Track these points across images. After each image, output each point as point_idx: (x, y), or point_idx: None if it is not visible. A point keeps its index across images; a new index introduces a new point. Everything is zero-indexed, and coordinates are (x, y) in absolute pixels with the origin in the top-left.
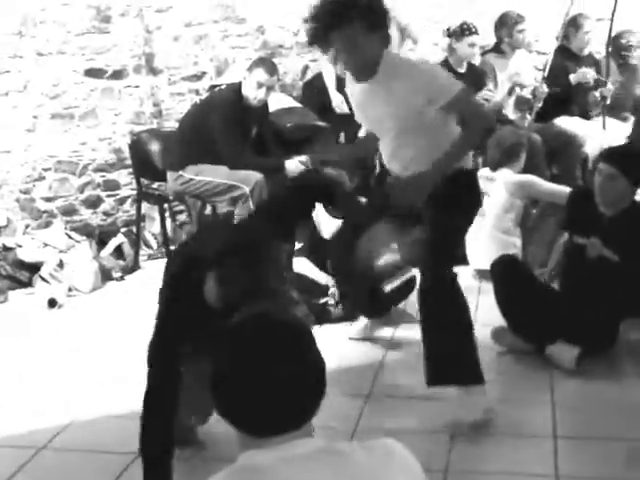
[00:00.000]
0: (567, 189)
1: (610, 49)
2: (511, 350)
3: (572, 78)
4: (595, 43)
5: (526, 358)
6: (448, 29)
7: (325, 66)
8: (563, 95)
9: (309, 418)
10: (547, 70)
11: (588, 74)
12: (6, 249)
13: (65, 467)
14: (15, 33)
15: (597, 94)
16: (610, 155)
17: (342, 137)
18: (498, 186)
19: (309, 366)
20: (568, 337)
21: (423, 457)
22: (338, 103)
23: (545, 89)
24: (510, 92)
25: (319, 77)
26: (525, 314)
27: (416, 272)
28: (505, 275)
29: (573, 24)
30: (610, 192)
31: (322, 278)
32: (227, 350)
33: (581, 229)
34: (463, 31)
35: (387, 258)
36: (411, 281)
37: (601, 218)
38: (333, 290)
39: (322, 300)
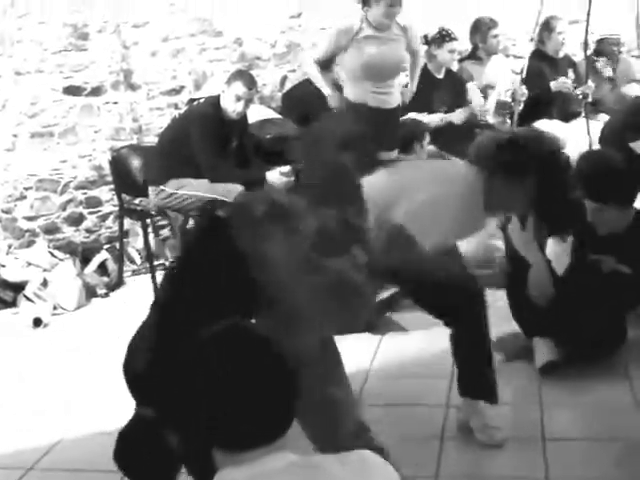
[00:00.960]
0: None
1: (589, 51)
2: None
3: (553, 85)
4: (571, 46)
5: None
6: (426, 36)
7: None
8: (542, 98)
9: (282, 432)
10: (524, 73)
11: (567, 83)
12: None
13: None
14: None
15: (579, 93)
16: (589, 188)
17: None
18: None
19: (279, 380)
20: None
21: (412, 463)
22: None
23: (524, 91)
24: (485, 97)
25: (298, 87)
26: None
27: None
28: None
29: (546, 27)
30: (605, 222)
31: None
32: (196, 367)
33: (591, 247)
34: (443, 37)
35: None
36: (397, 294)
37: (608, 236)
38: None
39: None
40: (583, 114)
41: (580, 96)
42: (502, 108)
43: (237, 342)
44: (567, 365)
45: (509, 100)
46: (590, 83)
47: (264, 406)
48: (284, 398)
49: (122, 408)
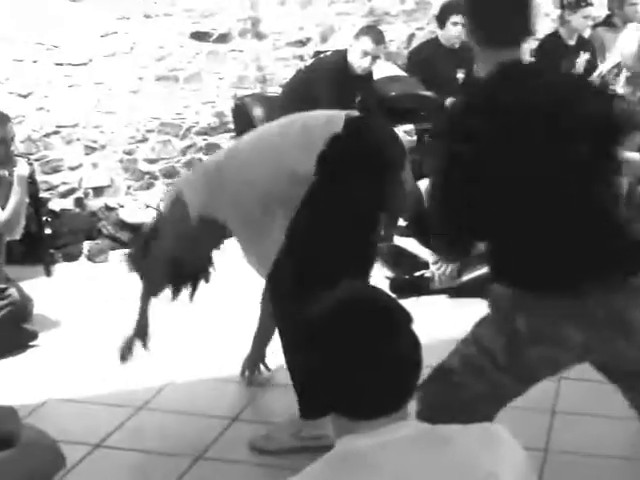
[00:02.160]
0: None
1: None
2: None
3: None
4: None
5: None
6: (561, 0)
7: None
8: None
9: (408, 399)
10: None
11: None
12: (108, 209)
13: (162, 428)
14: None
15: None
16: None
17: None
18: None
19: (406, 346)
20: None
21: (520, 435)
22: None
23: None
24: (617, 66)
25: (425, 45)
26: None
27: None
28: None
29: None
30: None
31: (424, 254)
32: (322, 333)
33: None
34: (578, 2)
35: None
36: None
37: None
38: (434, 268)
39: (421, 273)
40: None
41: None
42: (637, 77)
43: (361, 310)
44: None
45: None
46: None
47: (392, 373)
48: (410, 365)
49: (230, 354)
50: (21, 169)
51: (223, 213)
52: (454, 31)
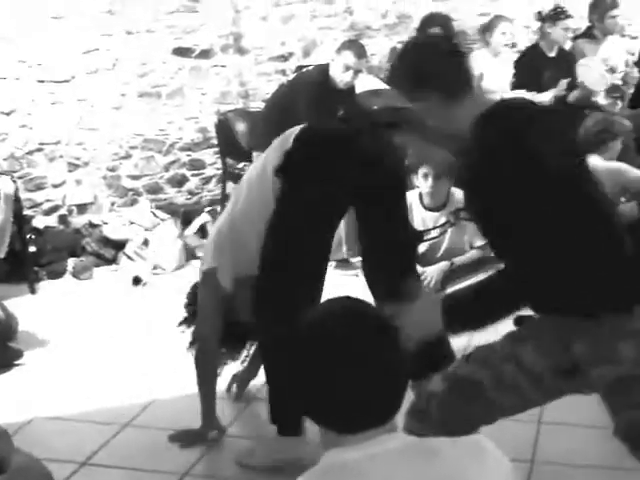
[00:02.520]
0: None
1: None
2: None
3: None
4: None
5: None
6: (540, 12)
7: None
8: None
9: (395, 412)
10: (637, 55)
11: None
12: (92, 226)
13: (148, 445)
14: (105, 11)
15: None
16: None
17: None
18: None
19: (393, 360)
20: None
21: (507, 447)
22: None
23: (636, 74)
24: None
25: None
26: None
27: None
28: None
29: None
30: None
31: None
32: (309, 346)
33: None
34: (558, 15)
35: None
36: None
37: None
38: None
39: None
40: None
41: None
42: (613, 91)
43: (349, 322)
44: None
45: (620, 83)
46: None
47: (379, 387)
48: (398, 378)
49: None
50: (6, 187)
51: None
52: None
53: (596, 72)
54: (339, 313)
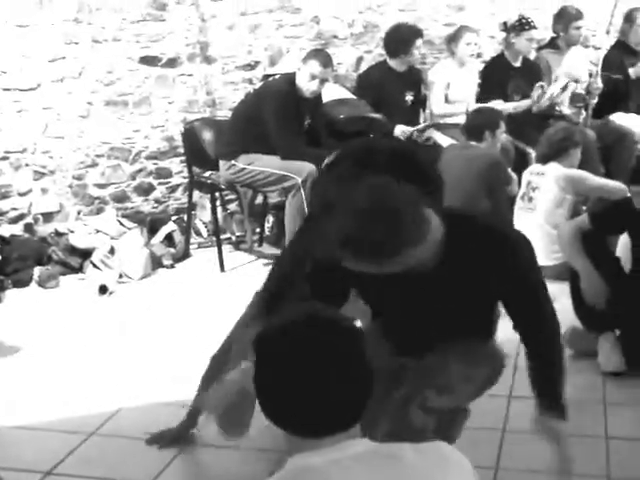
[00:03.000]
0: (618, 184)
1: None
2: (582, 353)
3: (632, 72)
4: None
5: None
6: (505, 23)
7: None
8: (620, 90)
9: (357, 420)
10: (600, 66)
11: None
12: (58, 234)
13: (114, 454)
14: (71, 20)
15: None
16: None
17: None
18: (549, 181)
19: (357, 367)
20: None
21: (472, 453)
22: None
23: (600, 84)
24: (564, 88)
25: (374, 68)
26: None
27: None
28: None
29: (628, 19)
30: None
31: None
32: (272, 351)
33: None
34: (522, 25)
35: None
36: None
37: None
38: None
39: None
40: None
41: None
42: (577, 100)
43: (314, 328)
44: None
45: (583, 92)
46: None
47: (342, 393)
48: (363, 385)
49: (182, 379)
50: None
51: None
52: (417, 55)
53: (581, 63)
54: (305, 319)
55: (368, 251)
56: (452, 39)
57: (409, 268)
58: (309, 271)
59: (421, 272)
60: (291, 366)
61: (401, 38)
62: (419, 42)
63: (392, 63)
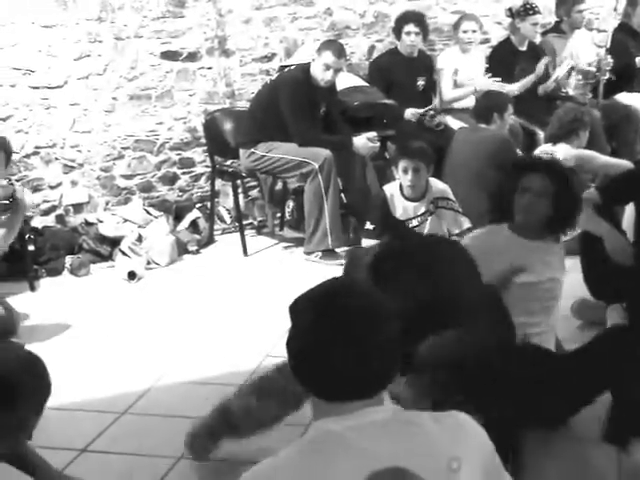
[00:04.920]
0: (625, 162)
1: None
2: (590, 323)
3: (638, 61)
4: None
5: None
6: (510, 9)
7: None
8: (625, 72)
9: (384, 386)
10: (608, 44)
11: None
12: (88, 224)
13: (144, 431)
14: (95, 19)
15: None
16: None
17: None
18: None
19: (386, 337)
20: None
21: None
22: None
23: (610, 60)
24: (570, 72)
25: (385, 56)
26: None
27: None
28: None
29: (632, 2)
30: None
31: None
32: (306, 317)
33: None
34: (527, 11)
35: None
36: None
37: None
38: None
39: None
40: None
41: None
42: (586, 77)
43: (345, 297)
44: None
45: (594, 69)
46: None
47: (370, 360)
48: (390, 354)
49: (209, 359)
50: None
51: None
52: (407, 40)
53: (587, 46)
54: (340, 287)
55: None
56: (455, 27)
57: None
58: None
59: None
60: (325, 330)
61: (396, 22)
62: (408, 27)
63: (400, 48)
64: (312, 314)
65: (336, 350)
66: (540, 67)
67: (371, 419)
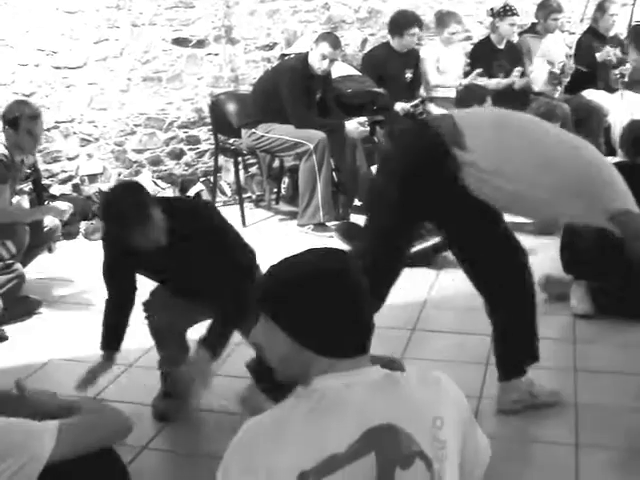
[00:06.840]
0: None
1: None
2: (555, 297)
3: (598, 56)
4: (619, 26)
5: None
6: (492, 9)
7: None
8: (590, 71)
9: (370, 340)
10: (573, 49)
11: (611, 52)
12: (102, 193)
13: (150, 381)
14: (113, 6)
15: (617, 72)
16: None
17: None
18: None
19: (367, 293)
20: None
21: (460, 383)
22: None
23: (572, 65)
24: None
25: (377, 49)
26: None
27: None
28: None
29: (600, 8)
30: None
31: None
32: (310, 278)
33: None
34: (505, 12)
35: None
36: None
37: None
38: None
39: None
40: (620, 91)
41: (618, 75)
42: (552, 79)
43: (345, 260)
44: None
45: (559, 72)
46: (628, 65)
47: (362, 314)
48: (370, 309)
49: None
50: (62, 205)
51: None
52: (410, 41)
53: (558, 46)
54: (330, 254)
55: None
56: (439, 24)
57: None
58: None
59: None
60: (326, 291)
61: (399, 23)
62: (413, 30)
63: (394, 44)
64: (315, 275)
65: (340, 306)
66: (515, 74)
67: (365, 378)
